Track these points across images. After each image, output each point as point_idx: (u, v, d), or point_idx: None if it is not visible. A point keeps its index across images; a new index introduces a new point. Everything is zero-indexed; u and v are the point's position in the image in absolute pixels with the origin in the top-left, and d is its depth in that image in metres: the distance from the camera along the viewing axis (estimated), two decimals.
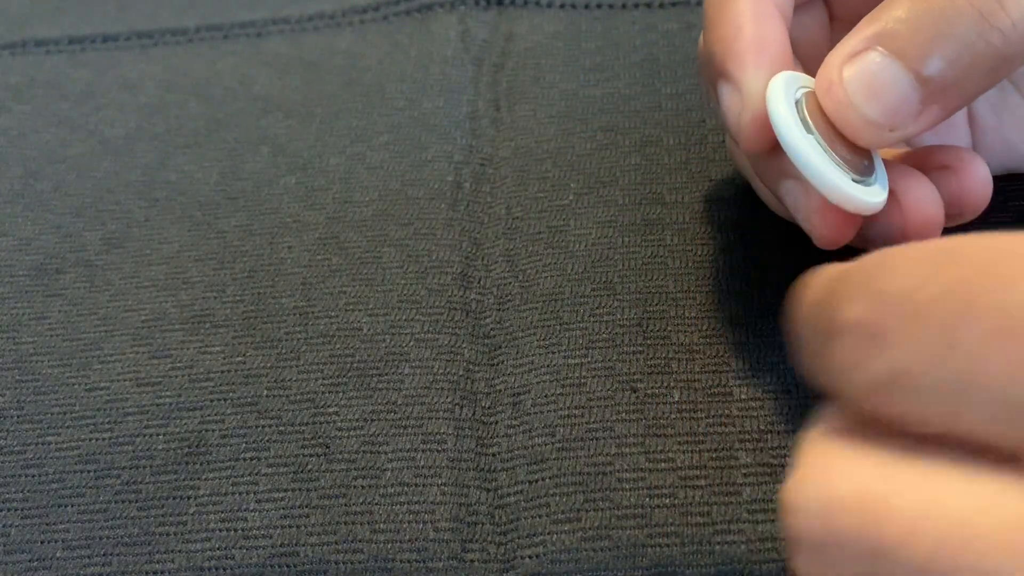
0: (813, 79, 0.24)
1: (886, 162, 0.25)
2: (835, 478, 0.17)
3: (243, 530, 0.24)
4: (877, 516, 0.16)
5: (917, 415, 0.16)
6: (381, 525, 0.24)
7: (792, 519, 0.17)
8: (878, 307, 0.16)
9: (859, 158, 0.23)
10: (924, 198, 0.24)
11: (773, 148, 0.23)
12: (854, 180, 0.23)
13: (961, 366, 0.15)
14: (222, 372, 0.27)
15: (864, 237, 0.26)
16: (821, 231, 0.24)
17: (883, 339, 0.16)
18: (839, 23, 0.28)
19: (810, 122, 0.23)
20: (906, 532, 0.16)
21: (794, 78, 0.24)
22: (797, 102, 0.23)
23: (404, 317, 0.28)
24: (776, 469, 0.23)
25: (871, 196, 0.23)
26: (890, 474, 0.16)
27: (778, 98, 0.23)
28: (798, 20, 0.27)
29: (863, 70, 0.22)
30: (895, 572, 0.16)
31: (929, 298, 0.15)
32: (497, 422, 0.26)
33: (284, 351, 0.28)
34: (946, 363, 0.15)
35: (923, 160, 0.26)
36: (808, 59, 0.26)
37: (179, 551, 0.24)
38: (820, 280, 0.18)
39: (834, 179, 0.22)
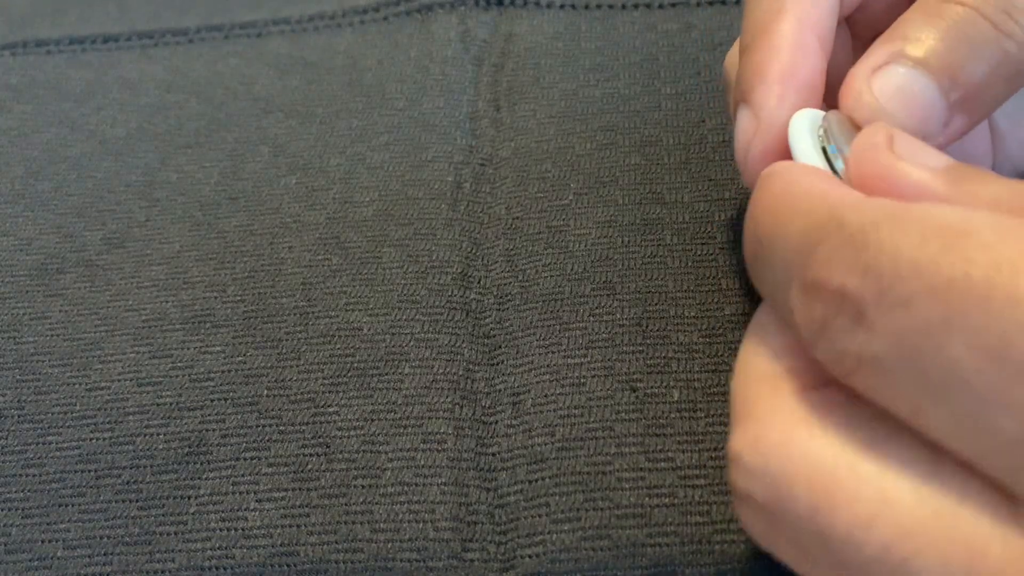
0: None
1: None
2: (790, 448, 0.17)
3: (243, 529, 0.24)
4: (830, 503, 0.16)
5: (878, 396, 0.16)
6: (381, 524, 0.24)
7: (738, 474, 0.17)
8: (865, 285, 0.16)
9: None
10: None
11: None
12: None
13: (939, 375, 0.15)
14: (222, 372, 0.27)
15: None
16: None
17: (862, 319, 0.16)
18: (859, 42, 0.28)
19: (834, 154, 0.22)
20: (856, 527, 0.16)
21: (818, 116, 0.23)
22: (820, 138, 0.22)
23: (404, 317, 0.28)
24: None
25: None
26: (849, 459, 0.16)
27: (802, 135, 0.22)
28: None
29: (890, 81, 0.22)
30: (840, 558, 0.16)
31: (922, 291, 0.15)
32: (497, 422, 0.26)
33: (284, 351, 0.28)
34: (924, 365, 0.15)
35: None
36: (829, 78, 0.26)
37: (179, 550, 0.24)
38: (801, 209, 0.18)
39: None
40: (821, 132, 0.22)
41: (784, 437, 0.17)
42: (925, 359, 0.15)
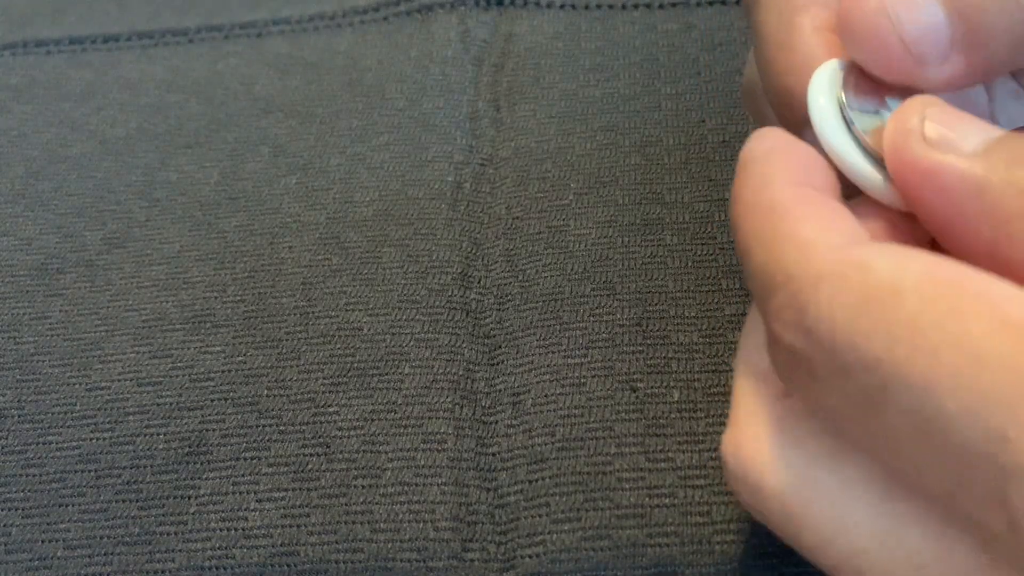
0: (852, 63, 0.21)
1: None
2: (763, 462, 0.18)
3: (243, 529, 0.24)
4: (795, 521, 0.18)
5: (843, 432, 0.17)
6: (381, 524, 0.24)
7: (727, 475, 0.19)
8: (810, 349, 0.17)
9: None
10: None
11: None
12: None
13: (882, 435, 0.16)
14: (223, 372, 0.27)
15: None
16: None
17: (814, 376, 0.17)
18: None
19: (853, 114, 0.21)
20: (818, 544, 0.17)
21: (837, 72, 0.21)
22: (839, 97, 0.21)
23: (404, 317, 0.28)
24: None
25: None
26: (814, 476, 0.18)
27: (821, 91, 0.21)
28: None
29: None
30: (811, 559, 0.18)
31: (857, 364, 0.16)
32: (497, 422, 0.26)
33: (284, 351, 0.28)
34: (869, 425, 0.16)
35: None
36: None
37: (180, 550, 0.24)
38: (764, 236, 0.18)
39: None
40: (841, 94, 0.21)
41: (758, 449, 0.18)
42: (869, 420, 0.16)
